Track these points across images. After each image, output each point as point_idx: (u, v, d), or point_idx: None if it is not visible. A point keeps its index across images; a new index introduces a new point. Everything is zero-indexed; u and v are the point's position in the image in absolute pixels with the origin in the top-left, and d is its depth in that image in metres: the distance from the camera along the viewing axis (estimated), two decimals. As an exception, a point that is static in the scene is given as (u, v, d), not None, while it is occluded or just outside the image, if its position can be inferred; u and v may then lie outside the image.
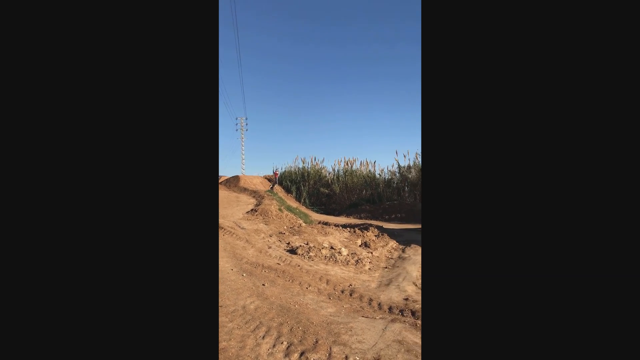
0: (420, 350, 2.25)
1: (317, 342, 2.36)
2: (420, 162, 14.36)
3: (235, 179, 16.75)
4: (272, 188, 14.37)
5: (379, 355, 2.19)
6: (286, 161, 31.36)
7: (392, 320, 2.77)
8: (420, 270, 4.38)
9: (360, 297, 3.37)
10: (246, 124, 26.69)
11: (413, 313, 2.92)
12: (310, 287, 3.64)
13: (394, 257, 5.33)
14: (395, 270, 4.46)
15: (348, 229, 7.55)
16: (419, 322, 2.73)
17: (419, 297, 3.36)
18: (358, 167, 16.33)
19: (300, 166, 17.56)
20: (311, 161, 17.53)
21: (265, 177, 18.46)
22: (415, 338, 2.45)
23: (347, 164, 16.56)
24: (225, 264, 4.33)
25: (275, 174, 17.38)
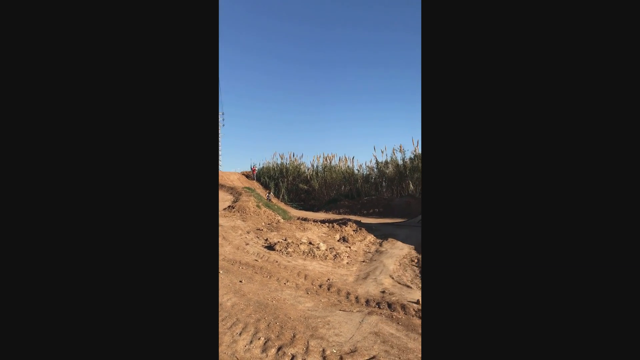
0: (395, 341, 2.30)
1: (294, 336, 2.36)
2: (397, 158, 14.66)
3: (212, 175, 16.36)
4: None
5: (356, 347, 2.22)
6: (264, 157, 30.95)
7: (369, 313, 2.81)
8: (396, 264, 4.48)
9: (338, 291, 3.40)
10: (223, 119, 25.94)
11: (389, 305, 2.98)
12: (288, 283, 3.63)
13: (371, 251, 5.41)
14: (373, 264, 4.53)
15: (327, 224, 7.58)
16: (395, 313, 2.79)
17: (395, 290, 3.43)
18: (337, 162, 16.40)
19: (279, 162, 17.43)
20: (290, 157, 17.42)
21: (243, 174, 18.17)
22: (391, 329, 2.50)
23: (326, 159, 16.59)
24: (201, 261, 4.24)
25: (253, 170, 17.14)
